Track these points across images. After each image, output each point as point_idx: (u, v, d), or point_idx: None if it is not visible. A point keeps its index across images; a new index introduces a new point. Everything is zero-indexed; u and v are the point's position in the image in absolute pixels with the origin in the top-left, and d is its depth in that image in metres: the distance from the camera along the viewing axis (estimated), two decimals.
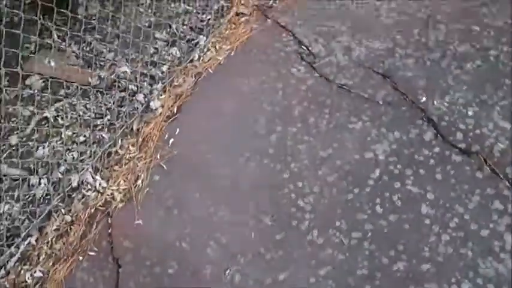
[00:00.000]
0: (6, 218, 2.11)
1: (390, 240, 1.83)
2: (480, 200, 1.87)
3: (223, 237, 1.92)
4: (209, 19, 2.74)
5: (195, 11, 2.82)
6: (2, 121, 2.44)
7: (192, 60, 2.56)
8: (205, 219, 1.98)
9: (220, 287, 1.80)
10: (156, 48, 2.67)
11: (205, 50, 2.60)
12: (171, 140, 2.25)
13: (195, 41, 2.66)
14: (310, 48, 2.50)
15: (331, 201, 1.97)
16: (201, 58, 2.56)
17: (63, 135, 2.37)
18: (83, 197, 2.12)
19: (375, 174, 2.02)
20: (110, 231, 2.01)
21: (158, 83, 2.48)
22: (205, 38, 2.65)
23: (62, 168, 2.24)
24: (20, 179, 2.20)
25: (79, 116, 2.43)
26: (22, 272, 1.95)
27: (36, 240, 2.03)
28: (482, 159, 1.96)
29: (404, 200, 1.93)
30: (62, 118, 2.46)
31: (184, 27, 2.74)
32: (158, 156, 2.20)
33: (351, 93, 2.30)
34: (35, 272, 1.94)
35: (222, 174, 2.11)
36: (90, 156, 2.25)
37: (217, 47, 2.59)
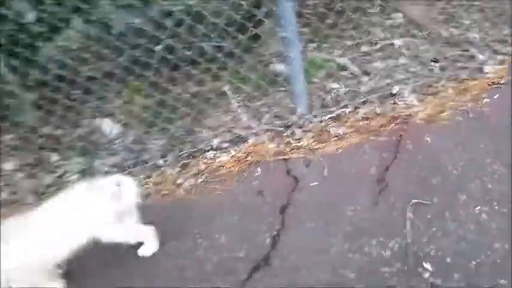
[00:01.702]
0: (334, 93, 2.87)
1: None
2: None
3: (488, 183, 2.17)
4: None
5: None
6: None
7: None
8: (478, 162, 2.28)
9: (463, 215, 2.07)
10: None
11: None
12: (486, 100, 2.57)
13: None
14: None
15: None
16: None
17: (399, 60, 2.98)
18: (393, 103, 2.69)
19: None
20: (401, 134, 2.50)
21: (498, 54, 2.80)
22: None
23: (392, 86, 2.82)
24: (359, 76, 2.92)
25: (418, 52, 2.99)
26: (329, 126, 2.66)
27: (348, 113, 2.70)
28: None
29: None
30: (404, 49, 3.07)
31: None
32: (468, 105, 2.56)
33: None
34: (338, 129, 2.62)
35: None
36: (415, 82, 2.79)
37: None
